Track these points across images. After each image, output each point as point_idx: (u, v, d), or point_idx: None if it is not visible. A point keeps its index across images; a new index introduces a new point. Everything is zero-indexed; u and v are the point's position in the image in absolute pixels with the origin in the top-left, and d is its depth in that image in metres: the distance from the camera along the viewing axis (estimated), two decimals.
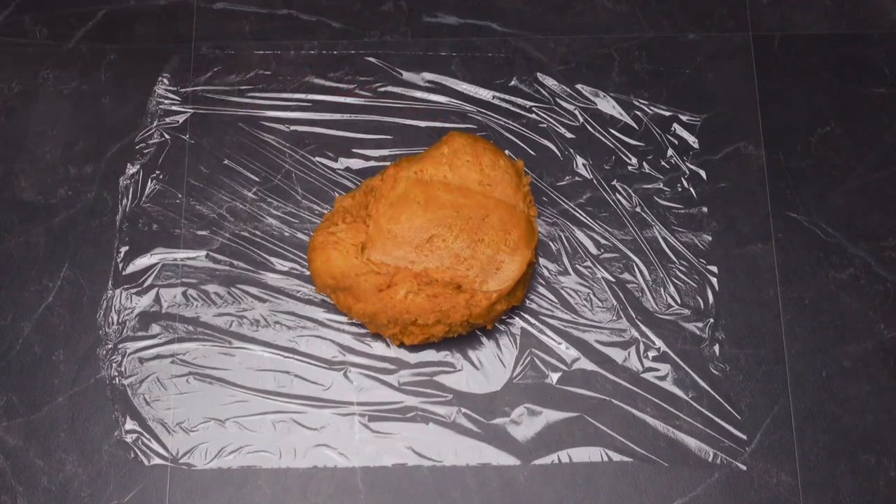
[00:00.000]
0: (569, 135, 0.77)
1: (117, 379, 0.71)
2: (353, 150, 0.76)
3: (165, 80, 0.78)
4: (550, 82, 0.78)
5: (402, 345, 0.71)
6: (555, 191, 0.75)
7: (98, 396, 0.70)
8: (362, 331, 0.72)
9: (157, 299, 0.73)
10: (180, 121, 0.77)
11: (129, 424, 0.70)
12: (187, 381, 0.71)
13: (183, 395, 0.70)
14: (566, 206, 0.75)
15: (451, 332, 0.69)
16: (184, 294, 0.73)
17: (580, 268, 0.74)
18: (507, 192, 0.71)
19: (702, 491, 0.69)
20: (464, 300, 0.68)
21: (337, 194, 0.75)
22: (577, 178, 0.76)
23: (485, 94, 0.78)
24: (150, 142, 0.76)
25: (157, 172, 0.76)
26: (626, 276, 0.73)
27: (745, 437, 0.70)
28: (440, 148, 0.72)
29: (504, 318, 0.72)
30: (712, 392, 0.71)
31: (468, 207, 0.70)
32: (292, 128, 0.77)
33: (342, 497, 0.68)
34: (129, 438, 0.69)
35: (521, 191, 0.71)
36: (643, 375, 0.71)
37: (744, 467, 0.69)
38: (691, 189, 0.76)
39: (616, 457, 0.69)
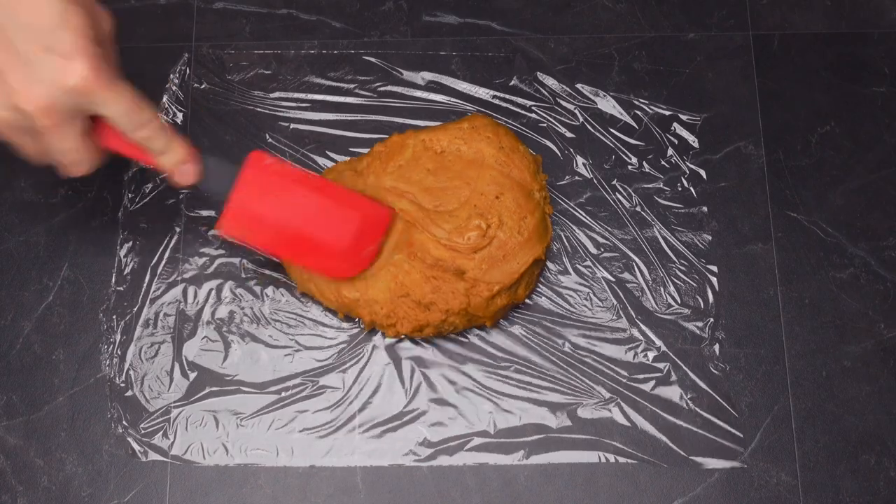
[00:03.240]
0: (569, 134, 0.77)
1: (117, 377, 0.71)
2: (353, 150, 0.76)
3: (175, 81, 0.78)
4: (550, 82, 0.78)
5: (398, 339, 0.71)
6: (555, 190, 0.75)
7: (98, 396, 0.70)
8: (363, 330, 0.72)
9: (158, 298, 0.73)
10: (179, 120, 0.77)
11: (130, 423, 0.70)
12: (187, 380, 0.71)
13: (183, 394, 0.70)
14: (566, 205, 0.75)
15: (446, 323, 0.68)
16: (184, 293, 0.73)
17: (580, 267, 0.74)
18: (525, 177, 0.70)
19: (702, 491, 0.69)
20: (463, 288, 0.67)
21: None
22: (577, 178, 0.76)
23: (485, 93, 0.78)
24: None
25: (157, 172, 0.76)
26: (626, 275, 0.73)
27: (745, 437, 0.70)
28: (460, 123, 0.71)
29: (503, 317, 0.72)
30: (712, 392, 0.71)
31: (481, 182, 0.69)
32: (292, 127, 0.77)
33: (342, 497, 0.69)
34: (129, 437, 0.69)
35: (537, 181, 0.71)
36: (643, 375, 0.71)
37: (744, 467, 0.69)
38: (691, 189, 0.76)
39: (616, 457, 0.69)
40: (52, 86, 0.55)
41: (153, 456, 0.69)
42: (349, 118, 0.77)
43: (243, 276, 0.73)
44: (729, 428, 0.70)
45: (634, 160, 0.76)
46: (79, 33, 0.55)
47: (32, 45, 0.54)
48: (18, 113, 0.56)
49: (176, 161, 0.62)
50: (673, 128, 0.77)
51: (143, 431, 0.70)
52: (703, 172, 0.76)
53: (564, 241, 0.74)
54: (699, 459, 0.69)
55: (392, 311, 0.68)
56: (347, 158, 0.75)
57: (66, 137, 0.58)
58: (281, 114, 0.77)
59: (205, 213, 0.75)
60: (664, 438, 0.70)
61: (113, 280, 0.73)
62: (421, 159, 0.70)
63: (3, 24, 0.54)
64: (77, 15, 0.55)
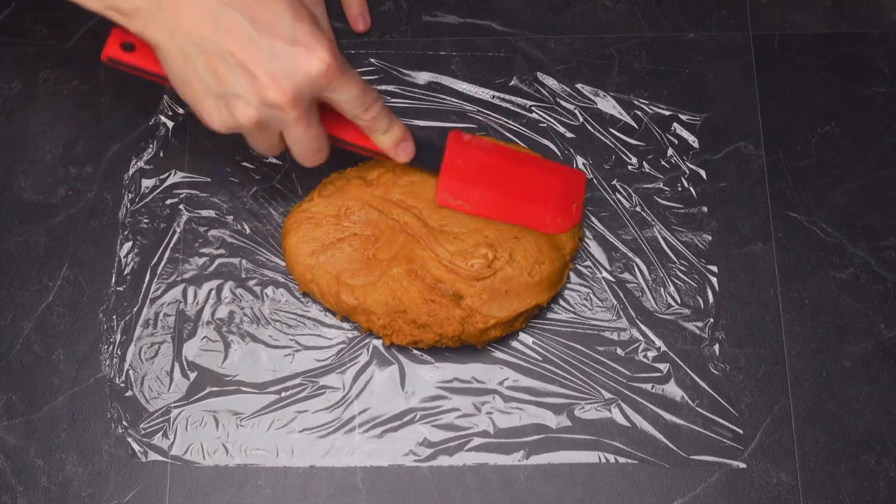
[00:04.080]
0: (569, 134, 0.77)
1: (117, 378, 0.71)
2: None
3: None
4: (550, 82, 0.78)
5: (391, 346, 0.71)
6: None
7: (98, 396, 0.70)
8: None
9: (158, 298, 0.73)
10: (180, 119, 0.77)
11: (130, 423, 0.70)
12: (188, 380, 0.71)
13: (183, 394, 0.70)
14: None
15: (439, 343, 0.68)
16: (184, 293, 0.73)
17: (580, 267, 0.74)
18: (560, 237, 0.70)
19: (702, 491, 0.69)
20: (459, 315, 0.67)
21: None
22: None
23: (485, 93, 0.78)
24: (150, 141, 0.76)
25: (157, 172, 0.76)
26: (626, 275, 0.73)
27: (745, 437, 0.70)
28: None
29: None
30: (712, 392, 0.71)
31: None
32: None
33: (342, 497, 0.69)
34: (128, 437, 0.69)
35: (572, 239, 0.70)
36: (643, 375, 0.71)
37: (744, 467, 0.69)
38: (691, 189, 0.76)
39: (616, 457, 0.69)
40: (299, 75, 0.57)
41: (153, 456, 0.69)
42: None
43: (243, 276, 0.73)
44: (729, 428, 0.70)
45: (634, 160, 0.76)
46: (311, 22, 0.58)
47: (276, 39, 0.57)
48: (269, 108, 0.58)
49: (396, 139, 0.65)
50: (673, 128, 0.77)
51: (143, 431, 0.70)
52: (703, 172, 0.76)
53: None
54: (699, 459, 0.69)
55: (388, 324, 0.68)
56: (358, 164, 0.75)
57: (310, 127, 0.61)
58: None
59: (204, 213, 0.75)
60: (664, 438, 0.70)
61: (113, 280, 0.73)
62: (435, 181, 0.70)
63: (240, 23, 0.56)
64: (303, 5, 0.58)
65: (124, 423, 0.70)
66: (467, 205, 0.68)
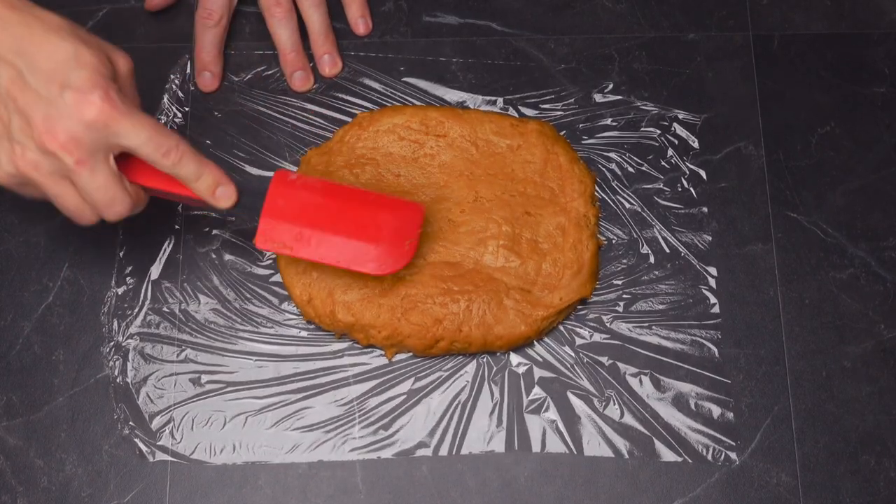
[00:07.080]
0: (569, 135, 0.77)
1: (120, 378, 0.71)
2: None
3: (175, 81, 0.78)
4: (550, 82, 0.78)
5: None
6: None
7: (98, 396, 0.70)
8: None
9: (159, 298, 0.73)
10: (180, 121, 0.77)
11: (130, 423, 0.70)
12: (188, 380, 0.71)
13: (184, 394, 0.70)
14: None
15: (434, 350, 0.69)
16: (185, 293, 0.73)
17: None
18: (577, 203, 0.69)
19: (702, 491, 0.69)
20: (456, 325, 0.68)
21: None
22: None
23: (485, 94, 0.78)
24: None
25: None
26: (626, 275, 0.73)
27: (745, 437, 0.70)
28: (501, 119, 0.72)
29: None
30: (712, 392, 0.71)
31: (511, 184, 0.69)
32: (293, 126, 0.77)
33: (342, 497, 0.69)
34: (135, 438, 0.69)
35: (593, 207, 0.70)
36: (643, 376, 0.71)
37: (744, 467, 0.69)
38: (691, 189, 0.76)
39: (616, 457, 0.69)
40: (72, 120, 0.56)
41: (161, 456, 0.69)
42: (349, 118, 0.77)
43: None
44: (729, 428, 0.70)
45: (634, 160, 0.76)
46: (92, 69, 0.57)
47: (51, 84, 0.56)
48: (47, 155, 0.57)
49: (211, 184, 0.62)
50: (673, 128, 0.77)
51: (148, 432, 0.70)
52: (703, 173, 0.76)
53: None
54: (699, 459, 0.69)
55: (391, 335, 0.68)
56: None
57: (96, 174, 0.59)
58: (281, 113, 0.77)
59: (205, 213, 0.75)
60: (664, 438, 0.70)
61: (113, 281, 0.73)
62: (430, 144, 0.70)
63: (21, 70, 0.56)
64: (89, 54, 0.57)
65: (131, 423, 0.70)
66: (288, 247, 0.65)
